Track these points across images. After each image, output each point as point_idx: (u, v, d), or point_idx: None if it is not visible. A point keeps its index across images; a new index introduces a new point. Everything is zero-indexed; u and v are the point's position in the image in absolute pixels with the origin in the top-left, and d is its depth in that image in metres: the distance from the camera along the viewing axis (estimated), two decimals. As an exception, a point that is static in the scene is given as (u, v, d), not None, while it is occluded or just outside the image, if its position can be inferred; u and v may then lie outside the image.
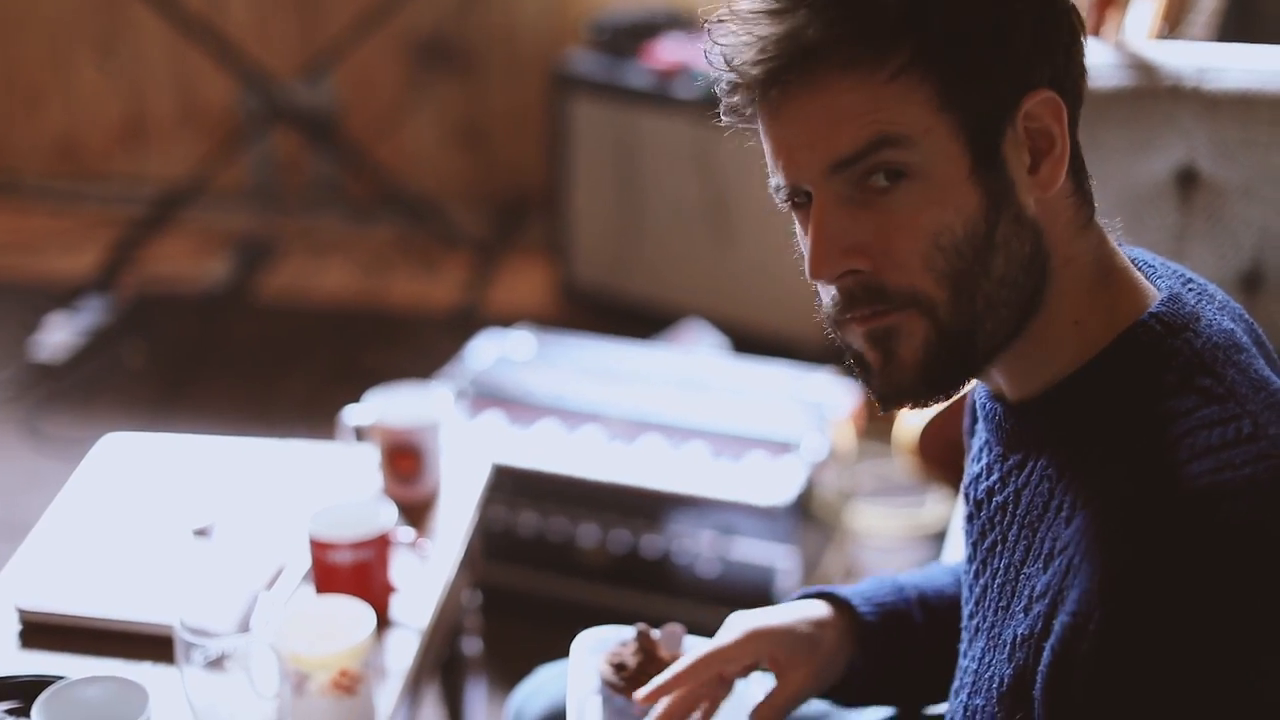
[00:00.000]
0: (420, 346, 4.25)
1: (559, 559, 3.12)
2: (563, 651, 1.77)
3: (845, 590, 1.68)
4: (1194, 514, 1.18)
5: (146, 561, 2.08)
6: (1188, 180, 2.41)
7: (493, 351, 3.45)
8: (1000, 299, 1.28)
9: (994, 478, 1.43)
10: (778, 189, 1.33)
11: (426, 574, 2.10)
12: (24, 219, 5.18)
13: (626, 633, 1.68)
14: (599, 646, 1.70)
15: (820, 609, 1.66)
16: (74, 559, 2.08)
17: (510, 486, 3.04)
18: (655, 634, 1.65)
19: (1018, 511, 1.37)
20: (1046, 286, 1.31)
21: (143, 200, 5.02)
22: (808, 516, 3.08)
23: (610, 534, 3.06)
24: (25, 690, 1.67)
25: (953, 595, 1.66)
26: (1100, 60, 2.50)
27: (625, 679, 1.62)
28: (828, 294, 1.32)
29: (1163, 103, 2.42)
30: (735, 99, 1.30)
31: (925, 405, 1.34)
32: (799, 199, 1.32)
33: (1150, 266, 1.39)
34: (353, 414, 2.35)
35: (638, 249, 4.45)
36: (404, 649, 1.96)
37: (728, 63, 1.28)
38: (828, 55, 1.23)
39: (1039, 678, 1.25)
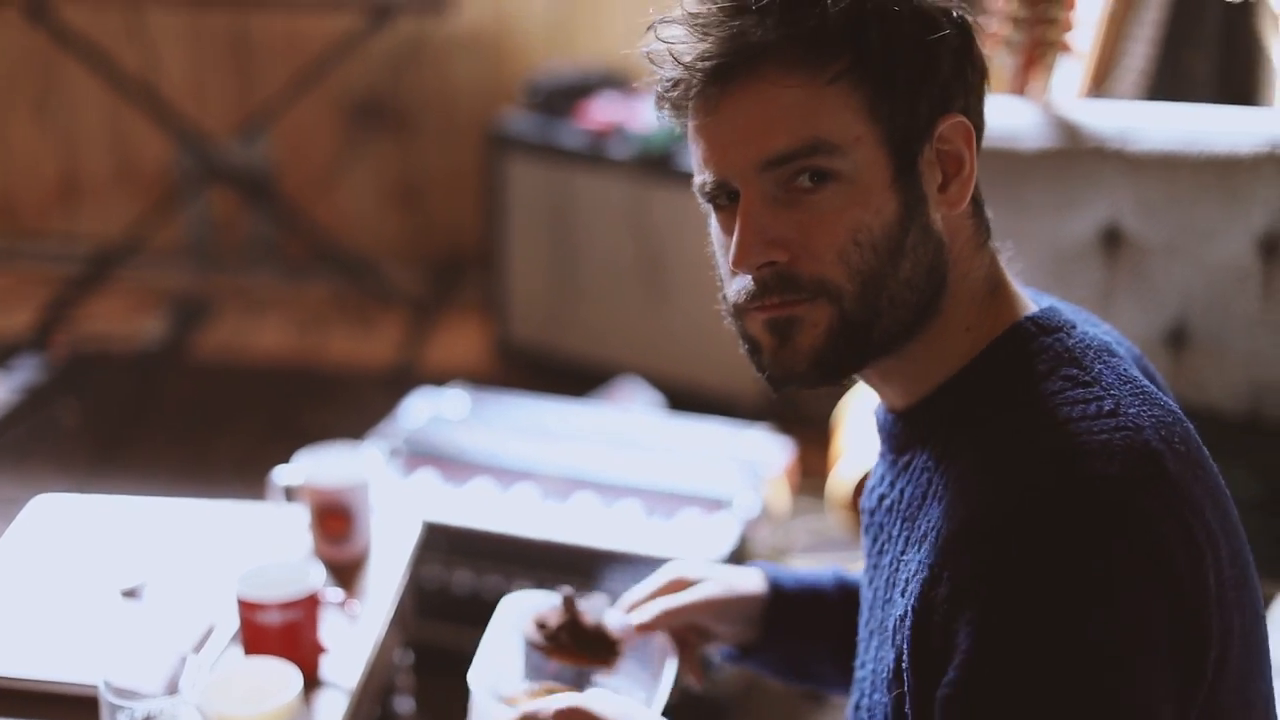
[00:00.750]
0: (356, 405, 4.24)
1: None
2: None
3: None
4: (1047, 467, 1.25)
5: (74, 622, 2.06)
6: (1112, 239, 2.44)
7: (427, 409, 3.45)
8: (902, 299, 1.37)
9: (885, 483, 1.50)
10: (703, 186, 1.40)
11: (356, 634, 2.09)
12: (-43, 278, 5.17)
13: (554, 598, 1.77)
14: (527, 608, 1.79)
15: (753, 575, 1.80)
16: (0, 619, 2.07)
17: (444, 544, 3.03)
18: (581, 601, 1.75)
19: (901, 507, 1.44)
20: (944, 295, 1.39)
21: (78, 258, 5.01)
22: (741, 574, 3.07)
23: (544, 592, 3.05)
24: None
25: None
26: (1025, 120, 2.53)
27: (546, 637, 1.73)
28: (740, 284, 1.39)
29: (1087, 163, 2.45)
30: (675, 94, 1.37)
31: (813, 388, 1.42)
32: (722, 199, 1.40)
33: (1038, 293, 1.50)
34: (282, 474, 2.34)
35: (573, 307, 4.46)
36: (333, 709, 1.95)
37: (675, 58, 1.35)
38: (773, 55, 1.32)
39: (905, 644, 1.30)
